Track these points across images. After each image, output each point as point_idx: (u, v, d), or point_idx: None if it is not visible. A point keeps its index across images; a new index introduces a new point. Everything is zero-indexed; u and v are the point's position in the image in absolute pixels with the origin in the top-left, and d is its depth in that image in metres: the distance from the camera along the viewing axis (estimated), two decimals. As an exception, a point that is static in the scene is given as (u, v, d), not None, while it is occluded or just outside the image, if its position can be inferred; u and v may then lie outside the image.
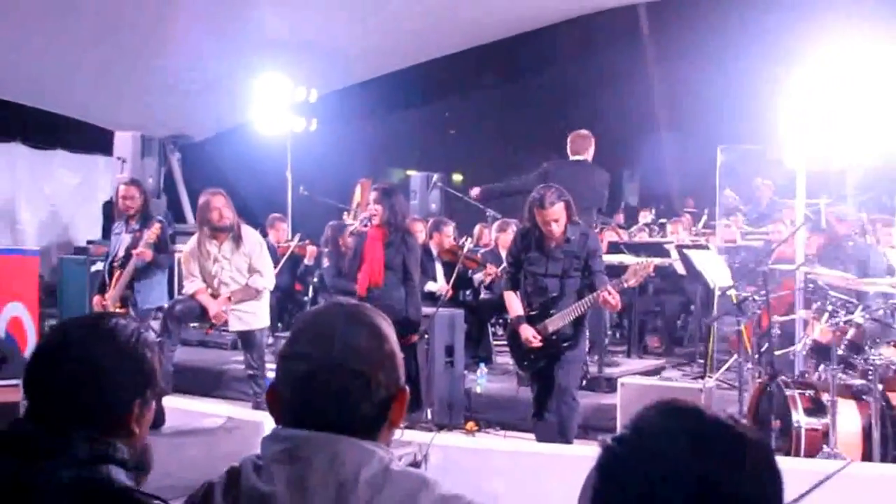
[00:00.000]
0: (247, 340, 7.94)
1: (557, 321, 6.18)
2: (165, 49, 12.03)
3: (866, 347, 6.10)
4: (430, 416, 7.54)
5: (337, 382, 1.75)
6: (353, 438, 1.72)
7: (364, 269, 7.36)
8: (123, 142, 13.23)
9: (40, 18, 11.37)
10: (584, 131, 8.54)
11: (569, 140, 8.49)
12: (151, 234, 7.66)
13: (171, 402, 7.14)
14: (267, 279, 7.89)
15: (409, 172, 14.91)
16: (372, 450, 1.72)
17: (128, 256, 7.70)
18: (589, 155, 8.43)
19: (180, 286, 12.07)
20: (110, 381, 1.97)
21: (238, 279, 7.76)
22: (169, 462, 4.67)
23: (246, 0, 11.87)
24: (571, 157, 8.43)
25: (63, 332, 2.06)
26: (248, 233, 7.98)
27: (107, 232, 11.49)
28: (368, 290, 7.37)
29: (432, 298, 9.17)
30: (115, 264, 7.82)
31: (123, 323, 2.05)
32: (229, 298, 7.67)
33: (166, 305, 7.99)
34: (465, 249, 9.57)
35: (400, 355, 1.85)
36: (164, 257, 8.00)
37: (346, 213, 12.01)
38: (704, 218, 11.92)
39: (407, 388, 1.86)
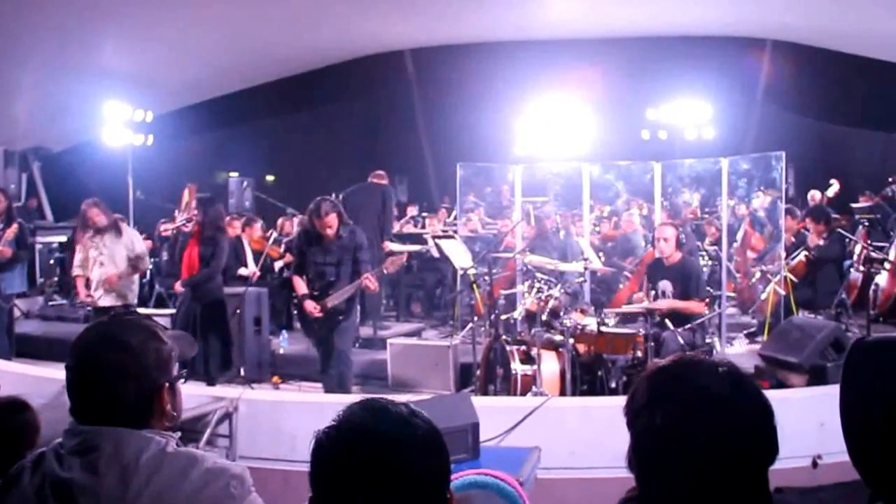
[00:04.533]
0: None
1: (334, 299, 6.13)
2: (25, 78, 11.56)
3: (562, 314, 6.37)
4: (242, 373, 7.38)
5: (103, 387, 1.70)
6: (133, 430, 1.67)
7: (184, 261, 7.27)
8: (-12, 155, 12.43)
9: None
10: (380, 172, 8.99)
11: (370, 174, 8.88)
12: (10, 233, 7.33)
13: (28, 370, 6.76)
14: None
15: (232, 174, 14.53)
16: (149, 437, 1.68)
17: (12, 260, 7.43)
18: (380, 180, 8.83)
19: (40, 275, 11.49)
20: None
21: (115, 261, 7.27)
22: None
23: (89, 39, 11.44)
24: (369, 180, 8.80)
25: None
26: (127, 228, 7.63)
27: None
28: (188, 277, 7.27)
29: (244, 280, 8.88)
30: None
31: None
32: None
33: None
34: (271, 241, 9.34)
35: (163, 356, 1.78)
36: (23, 252, 7.65)
37: (175, 212, 11.52)
38: (455, 212, 12.11)
39: (167, 383, 1.79)
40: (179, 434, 1.81)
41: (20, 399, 2.83)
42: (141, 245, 7.57)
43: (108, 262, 7.23)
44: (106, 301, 7.27)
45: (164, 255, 9.98)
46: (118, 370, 1.72)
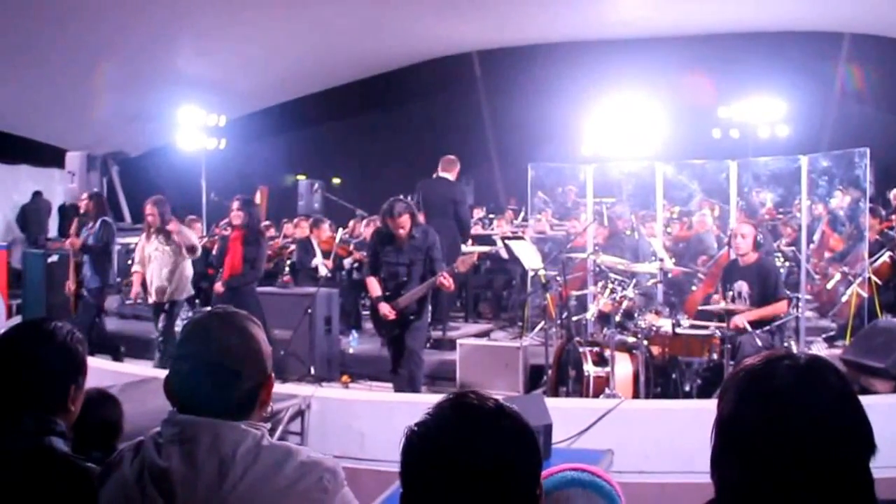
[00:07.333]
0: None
1: (407, 299, 6.16)
2: (105, 85, 11.97)
3: (636, 314, 6.28)
4: (313, 372, 7.44)
5: (213, 377, 1.71)
6: (231, 422, 1.69)
7: (227, 262, 7.39)
8: (73, 159, 13.11)
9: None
10: (450, 156, 8.46)
11: (440, 161, 8.44)
12: (92, 229, 7.81)
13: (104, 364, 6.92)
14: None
15: (300, 177, 14.79)
16: (246, 430, 1.70)
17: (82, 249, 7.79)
18: (451, 174, 8.36)
19: (117, 274, 11.88)
20: (50, 372, 1.95)
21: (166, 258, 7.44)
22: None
23: (166, 48, 11.86)
24: (439, 174, 8.37)
25: (13, 333, 2.05)
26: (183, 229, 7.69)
27: (62, 230, 11.43)
28: (229, 278, 7.38)
29: (315, 279, 9.01)
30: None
31: (60, 325, 2.03)
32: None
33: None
34: (338, 241, 9.45)
35: (267, 349, 1.81)
36: (100, 248, 7.92)
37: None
38: (522, 214, 12.04)
39: (273, 374, 1.82)
40: (269, 426, 1.83)
41: (108, 391, 2.94)
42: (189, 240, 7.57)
43: (157, 261, 7.42)
44: (153, 297, 7.44)
45: None
46: (242, 357, 1.75)
